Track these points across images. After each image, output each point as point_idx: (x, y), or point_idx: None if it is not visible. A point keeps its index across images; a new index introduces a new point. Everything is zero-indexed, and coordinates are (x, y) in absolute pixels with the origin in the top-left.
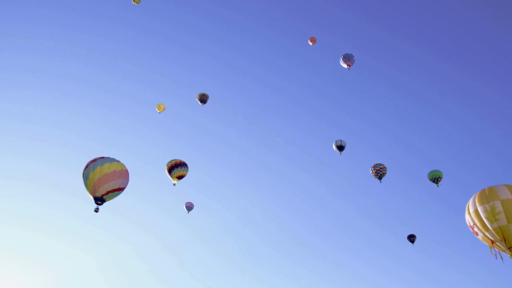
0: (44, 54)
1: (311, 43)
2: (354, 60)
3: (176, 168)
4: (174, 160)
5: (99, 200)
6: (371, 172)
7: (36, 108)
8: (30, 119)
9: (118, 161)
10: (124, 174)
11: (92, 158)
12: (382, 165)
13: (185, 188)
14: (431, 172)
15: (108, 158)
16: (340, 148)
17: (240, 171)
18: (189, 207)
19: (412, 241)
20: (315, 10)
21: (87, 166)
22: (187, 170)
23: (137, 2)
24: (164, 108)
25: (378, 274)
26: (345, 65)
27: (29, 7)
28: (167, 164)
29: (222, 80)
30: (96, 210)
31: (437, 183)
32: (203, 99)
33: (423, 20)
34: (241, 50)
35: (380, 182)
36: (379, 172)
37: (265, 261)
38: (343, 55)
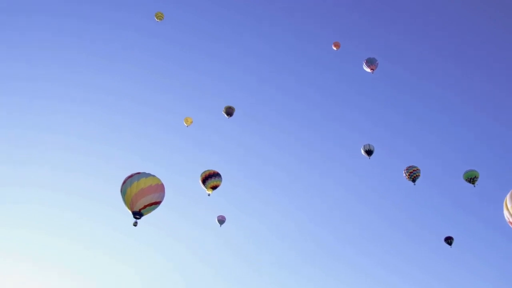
0: (81, 68)
1: (335, 48)
2: (377, 63)
3: (210, 179)
4: (208, 170)
5: (137, 215)
6: (404, 174)
7: (75, 121)
8: (72, 133)
9: (153, 176)
10: (160, 188)
11: (128, 174)
12: (415, 167)
13: (218, 199)
14: (467, 172)
15: (144, 173)
16: (369, 152)
17: (269, 181)
18: (221, 220)
19: (450, 243)
20: (337, 15)
21: (124, 182)
22: (220, 180)
23: (160, 19)
24: (192, 122)
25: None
26: (368, 69)
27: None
28: (201, 175)
29: (248, 89)
30: (135, 224)
31: (473, 183)
32: (229, 112)
33: (450, 26)
34: (265, 59)
35: (414, 184)
36: (413, 175)
37: (298, 273)
38: (366, 59)
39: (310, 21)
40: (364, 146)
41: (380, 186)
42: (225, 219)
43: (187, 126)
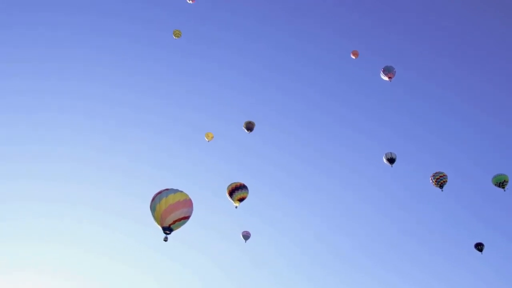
0: (103, 84)
1: (353, 57)
2: (395, 71)
3: (237, 191)
4: (234, 183)
5: (167, 230)
6: (431, 181)
7: (100, 137)
8: (97, 149)
9: (181, 192)
10: (188, 204)
11: (157, 191)
12: (442, 173)
13: (244, 213)
14: (496, 176)
15: (172, 189)
16: (391, 160)
17: (291, 193)
18: (246, 236)
19: (480, 250)
20: (355, 24)
21: (153, 199)
22: (247, 192)
23: (178, 36)
24: (213, 137)
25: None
26: (386, 78)
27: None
28: (228, 188)
29: (267, 101)
30: (165, 239)
31: (503, 187)
32: (250, 127)
33: (473, 34)
34: (285, 71)
35: (442, 190)
36: (440, 180)
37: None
38: (383, 68)
39: (329, 31)
40: (386, 154)
41: (404, 193)
42: (250, 234)
43: (208, 141)
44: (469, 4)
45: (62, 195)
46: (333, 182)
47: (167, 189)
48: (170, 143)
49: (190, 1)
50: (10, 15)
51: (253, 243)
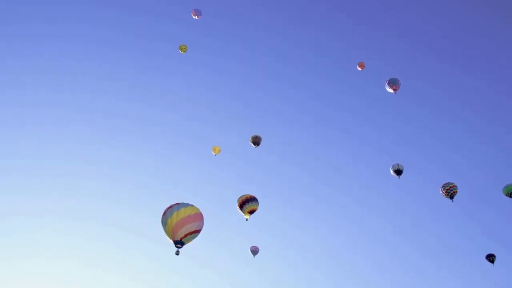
0: (114, 99)
1: (360, 69)
2: (400, 84)
3: (247, 203)
4: (244, 195)
5: (179, 244)
6: (441, 192)
7: (108, 152)
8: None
9: (192, 205)
10: (199, 217)
11: (167, 205)
12: (452, 183)
13: (250, 228)
14: (507, 186)
15: (183, 203)
16: (398, 172)
17: (300, 206)
18: (254, 251)
19: (492, 261)
20: (361, 35)
21: (164, 213)
22: (257, 204)
23: (184, 51)
24: (220, 150)
25: None
26: (391, 90)
27: None
28: (238, 200)
29: (273, 114)
30: (177, 253)
31: None
32: (256, 141)
33: (477, 43)
34: (288, 80)
35: (452, 201)
36: (450, 191)
37: None
38: (388, 80)
39: (335, 42)
40: (393, 166)
41: (412, 205)
42: (258, 249)
43: (215, 155)
44: (477, 14)
45: (71, 211)
46: (341, 194)
47: (177, 203)
48: (178, 156)
49: (196, 17)
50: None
51: (261, 258)
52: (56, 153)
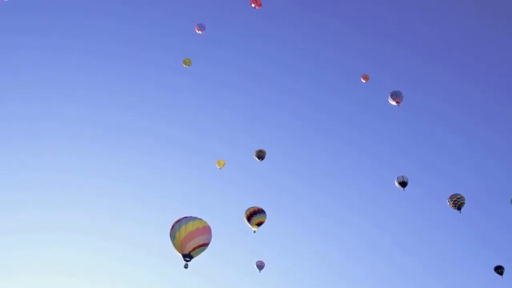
0: (117, 112)
1: (364, 81)
2: (402, 96)
3: (255, 215)
4: (252, 208)
5: (187, 257)
6: (448, 203)
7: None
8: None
9: (200, 219)
10: (207, 230)
11: (176, 219)
12: (459, 194)
13: (255, 243)
14: None
15: (191, 217)
16: (403, 184)
17: (304, 220)
18: (260, 266)
19: (501, 273)
20: (365, 46)
21: (173, 227)
22: (265, 217)
23: (188, 65)
24: (224, 164)
25: None
26: (394, 103)
27: None
28: (246, 212)
29: (276, 126)
30: (186, 266)
31: None
32: (261, 155)
33: (482, 56)
34: (291, 93)
35: (460, 212)
36: (458, 202)
37: None
38: (390, 93)
39: (338, 53)
40: (397, 178)
41: (418, 217)
42: (264, 264)
43: (220, 169)
44: (484, 26)
45: (78, 226)
46: (346, 207)
47: (186, 217)
48: (182, 170)
49: (200, 32)
50: None
51: (267, 272)
52: (61, 167)
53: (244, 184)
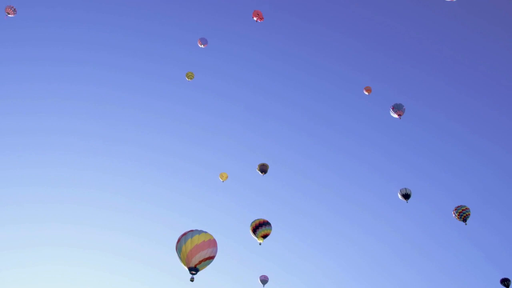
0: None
1: (366, 93)
2: (404, 109)
3: (261, 228)
4: (258, 220)
5: (193, 270)
6: (453, 215)
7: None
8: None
9: (206, 232)
10: (212, 244)
11: (182, 233)
12: (464, 206)
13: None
14: None
15: (197, 230)
16: (406, 196)
17: (307, 234)
18: (264, 280)
19: (507, 286)
20: (368, 58)
21: (179, 240)
22: (271, 229)
23: (190, 78)
24: (227, 177)
25: None
26: (395, 115)
27: None
28: (251, 225)
29: (279, 138)
30: (192, 280)
31: None
32: (263, 169)
33: (483, 67)
34: (294, 106)
35: (466, 224)
36: (463, 214)
37: None
38: (392, 105)
39: (341, 65)
40: (400, 190)
41: (421, 229)
42: (268, 279)
43: (223, 182)
44: (484, 38)
45: (85, 242)
46: (349, 219)
47: (192, 230)
48: (185, 184)
49: (202, 46)
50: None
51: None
52: (67, 182)
53: (246, 197)
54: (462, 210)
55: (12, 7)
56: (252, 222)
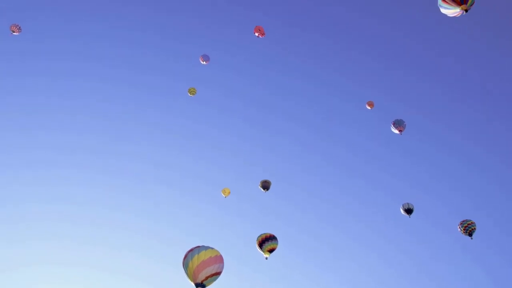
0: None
1: (369, 108)
2: (405, 125)
3: (267, 242)
4: (264, 234)
5: (200, 286)
6: (459, 229)
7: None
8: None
9: (212, 248)
10: (219, 260)
11: (188, 249)
12: (470, 220)
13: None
14: None
15: (203, 246)
16: (409, 211)
17: (309, 250)
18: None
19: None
20: (371, 72)
21: (185, 257)
22: (277, 243)
23: (193, 94)
24: (229, 193)
25: None
26: (396, 131)
27: None
28: (257, 239)
29: (280, 153)
30: None
31: None
32: (266, 185)
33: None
34: (295, 120)
35: (471, 238)
36: (469, 228)
37: None
38: (393, 121)
39: (343, 80)
40: (403, 205)
41: (425, 245)
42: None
43: (225, 197)
44: (485, 54)
45: (89, 260)
46: (351, 234)
47: (198, 246)
48: (188, 199)
49: (204, 62)
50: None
51: None
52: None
53: (249, 213)
54: (468, 224)
55: (18, 25)
56: (258, 237)
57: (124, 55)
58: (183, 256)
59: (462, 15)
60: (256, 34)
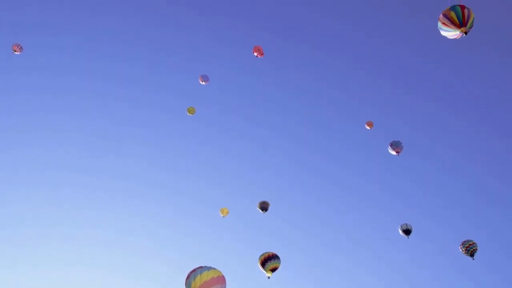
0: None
1: (368, 127)
2: (402, 146)
3: (269, 261)
4: (266, 253)
5: None
6: (460, 250)
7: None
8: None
9: (214, 269)
10: (221, 280)
11: (191, 269)
12: (471, 241)
13: None
14: None
15: (206, 266)
16: (407, 232)
17: (308, 272)
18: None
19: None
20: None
21: (188, 277)
22: (279, 262)
23: (192, 113)
24: (228, 212)
25: None
26: (393, 152)
27: None
28: (260, 258)
29: (279, 172)
30: None
31: None
32: (264, 207)
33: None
34: (295, 140)
35: (473, 259)
36: (470, 249)
37: None
38: (390, 143)
39: (342, 100)
40: (401, 225)
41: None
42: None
43: (223, 217)
44: (485, 70)
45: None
46: (349, 256)
47: (201, 267)
48: (186, 219)
49: (203, 82)
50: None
51: None
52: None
53: (248, 233)
54: (470, 244)
55: (19, 45)
56: (260, 256)
57: (122, 73)
58: (185, 277)
59: (462, 37)
60: (255, 54)
